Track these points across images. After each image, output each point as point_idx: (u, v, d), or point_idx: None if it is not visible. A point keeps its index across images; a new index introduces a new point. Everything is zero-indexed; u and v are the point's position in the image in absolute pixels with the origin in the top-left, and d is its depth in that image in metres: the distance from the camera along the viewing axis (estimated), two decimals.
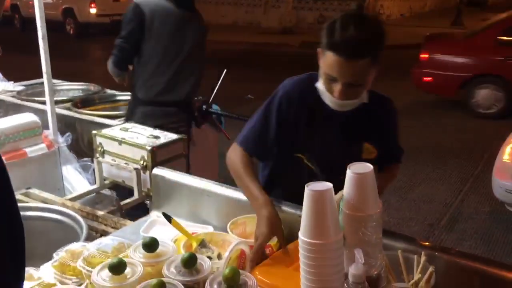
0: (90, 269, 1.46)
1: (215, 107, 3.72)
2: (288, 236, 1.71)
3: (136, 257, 1.44)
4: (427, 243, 1.60)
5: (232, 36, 14.83)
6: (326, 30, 1.62)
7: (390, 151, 1.90)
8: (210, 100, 3.59)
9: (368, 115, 1.77)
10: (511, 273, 1.45)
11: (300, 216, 1.75)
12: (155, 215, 2.11)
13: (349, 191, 1.28)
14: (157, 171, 2.11)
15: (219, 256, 1.65)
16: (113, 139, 2.62)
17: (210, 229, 1.92)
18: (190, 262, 1.37)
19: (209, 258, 1.60)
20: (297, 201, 1.80)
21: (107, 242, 1.68)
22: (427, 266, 1.45)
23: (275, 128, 1.81)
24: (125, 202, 2.51)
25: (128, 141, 2.57)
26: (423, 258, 1.48)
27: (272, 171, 1.96)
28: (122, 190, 2.85)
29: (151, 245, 1.45)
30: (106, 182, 2.72)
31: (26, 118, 2.69)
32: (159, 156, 2.53)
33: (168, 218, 1.70)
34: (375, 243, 1.30)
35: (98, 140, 2.68)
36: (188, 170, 2.75)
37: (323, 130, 1.79)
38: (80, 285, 1.55)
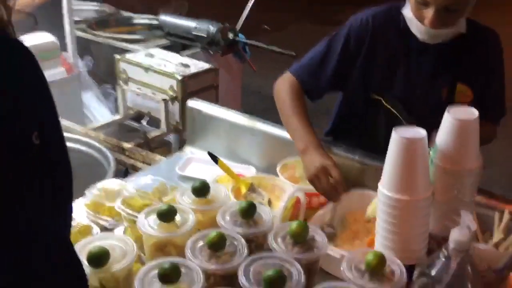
0: (130, 212, 1.29)
1: (241, 36, 3.45)
2: None
3: (184, 202, 1.27)
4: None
5: None
6: None
7: (487, 100, 1.54)
8: (238, 28, 3.31)
9: (465, 49, 1.48)
10: None
11: (358, 162, 1.60)
12: (189, 151, 1.93)
13: (446, 140, 1.08)
14: (193, 103, 1.90)
15: (269, 203, 1.49)
16: (139, 65, 2.39)
17: (252, 169, 1.74)
18: (249, 212, 1.20)
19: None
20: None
21: (145, 181, 1.52)
22: None
23: (335, 65, 1.55)
24: (153, 135, 2.33)
25: (156, 68, 2.35)
26: (507, 216, 1.30)
27: (339, 116, 1.72)
28: (148, 122, 2.67)
29: (202, 189, 1.28)
30: (130, 112, 2.53)
31: (43, 38, 2.44)
32: (190, 86, 2.32)
33: (215, 158, 1.51)
34: (469, 202, 1.12)
35: (122, 66, 2.45)
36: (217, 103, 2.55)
37: (408, 65, 1.51)
38: (115, 227, 1.40)
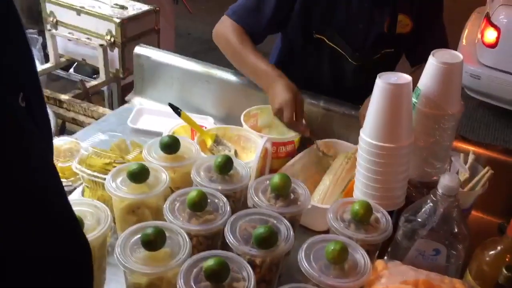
0: (91, 172, 1.18)
1: None
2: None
3: (153, 159, 1.17)
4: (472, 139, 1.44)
5: None
6: None
7: (427, 36, 1.51)
8: None
9: None
10: None
11: (323, 109, 1.56)
12: (138, 102, 1.80)
13: (430, 85, 1.05)
14: (140, 49, 1.75)
15: (236, 154, 1.42)
16: (69, 7, 2.16)
17: (210, 120, 1.66)
18: (226, 167, 1.13)
19: None
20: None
21: (100, 137, 1.39)
22: (476, 166, 1.32)
23: (274, 3, 1.46)
24: (91, 85, 2.14)
25: (90, 11, 2.13)
26: (472, 157, 1.33)
27: (280, 58, 1.64)
28: (81, 70, 2.46)
29: (172, 145, 1.18)
30: (62, 59, 2.30)
31: None
32: (130, 30, 2.14)
33: (177, 110, 1.40)
34: (448, 146, 1.13)
35: (49, 7, 2.20)
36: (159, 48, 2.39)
37: (349, 0, 1.45)
38: (73, 189, 1.28)
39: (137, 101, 1.80)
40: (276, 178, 1.09)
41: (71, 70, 2.87)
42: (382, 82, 1.03)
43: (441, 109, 1.06)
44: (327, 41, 1.53)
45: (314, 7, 1.48)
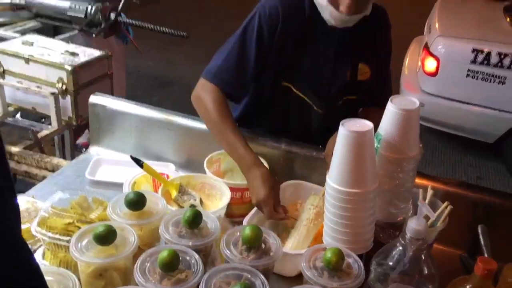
0: (53, 235, 1.13)
1: (123, 16, 3.22)
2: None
3: (118, 217, 1.13)
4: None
5: None
6: None
7: (379, 84, 1.59)
8: (120, 8, 3.07)
9: (363, 30, 1.49)
10: None
11: (285, 151, 1.57)
12: (95, 152, 1.75)
13: (390, 130, 1.09)
14: (96, 99, 1.71)
15: (201, 203, 1.41)
16: (17, 56, 2.10)
17: (171, 167, 1.64)
18: (195, 222, 1.11)
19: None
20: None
21: (58, 195, 1.33)
22: (435, 201, 1.36)
23: (255, 57, 1.47)
24: (43, 134, 2.07)
25: (39, 59, 2.07)
26: (430, 192, 1.38)
27: (250, 105, 1.64)
28: (29, 115, 2.37)
29: (138, 202, 1.15)
30: (10, 109, 2.22)
31: None
32: (82, 77, 2.10)
33: (139, 162, 1.38)
34: (410, 187, 1.16)
35: None
36: (112, 93, 2.35)
37: (314, 51, 1.50)
38: (33, 252, 1.22)
39: (93, 151, 1.75)
40: (247, 230, 1.08)
41: (18, 115, 2.77)
42: (345, 130, 1.06)
43: (402, 153, 1.10)
44: (294, 89, 1.55)
45: (284, 57, 1.50)
